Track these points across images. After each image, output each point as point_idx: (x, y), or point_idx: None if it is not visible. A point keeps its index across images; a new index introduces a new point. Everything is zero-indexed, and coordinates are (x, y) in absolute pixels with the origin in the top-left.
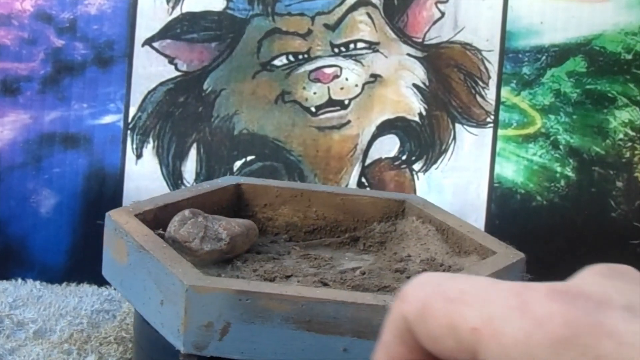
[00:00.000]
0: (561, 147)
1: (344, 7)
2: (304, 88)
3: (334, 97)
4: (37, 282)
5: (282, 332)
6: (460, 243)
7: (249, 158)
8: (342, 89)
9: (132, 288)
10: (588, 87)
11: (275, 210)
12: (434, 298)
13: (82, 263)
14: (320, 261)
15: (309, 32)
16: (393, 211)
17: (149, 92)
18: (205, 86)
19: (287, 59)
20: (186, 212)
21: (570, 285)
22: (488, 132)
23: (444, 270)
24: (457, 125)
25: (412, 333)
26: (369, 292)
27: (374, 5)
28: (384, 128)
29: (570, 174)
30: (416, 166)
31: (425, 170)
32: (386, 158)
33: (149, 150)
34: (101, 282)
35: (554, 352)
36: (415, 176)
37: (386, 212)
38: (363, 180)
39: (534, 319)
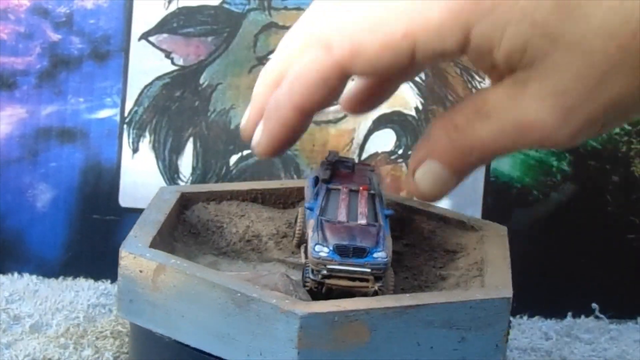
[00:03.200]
0: None
1: None
2: None
3: None
4: (34, 276)
5: None
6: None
7: (245, 152)
8: None
9: None
10: None
11: None
12: (356, 36)
13: (79, 257)
14: None
15: None
16: None
17: (146, 87)
18: (201, 80)
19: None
20: None
21: None
22: None
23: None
24: None
25: (341, 74)
26: None
27: None
28: (380, 122)
29: (566, 168)
30: None
31: None
32: (382, 152)
33: (145, 144)
34: (97, 276)
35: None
36: None
37: None
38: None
39: (444, 1)
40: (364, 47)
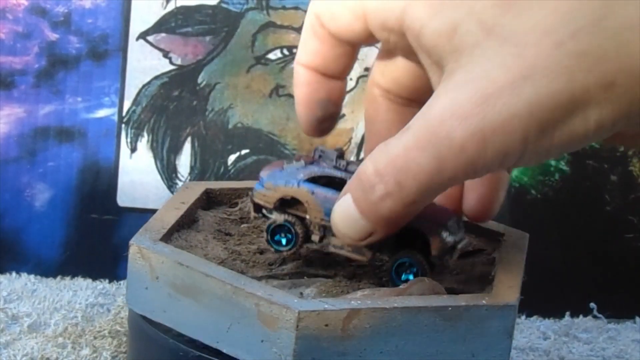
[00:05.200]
0: None
1: None
2: None
3: None
4: (32, 276)
5: None
6: None
7: (244, 152)
8: None
9: None
10: None
11: None
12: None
13: (77, 257)
14: None
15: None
16: None
17: (144, 86)
18: (199, 80)
19: (282, 52)
20: None
21: None
22: None
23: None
24: None
25: (322, 24)
26: None
27: None
28: None
29: (564, 167)
30: None
31: None
32: None
33: (143, 144)
34: (95, 275)
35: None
36: None
37: None
38: None
39: None
40: (333, 7)
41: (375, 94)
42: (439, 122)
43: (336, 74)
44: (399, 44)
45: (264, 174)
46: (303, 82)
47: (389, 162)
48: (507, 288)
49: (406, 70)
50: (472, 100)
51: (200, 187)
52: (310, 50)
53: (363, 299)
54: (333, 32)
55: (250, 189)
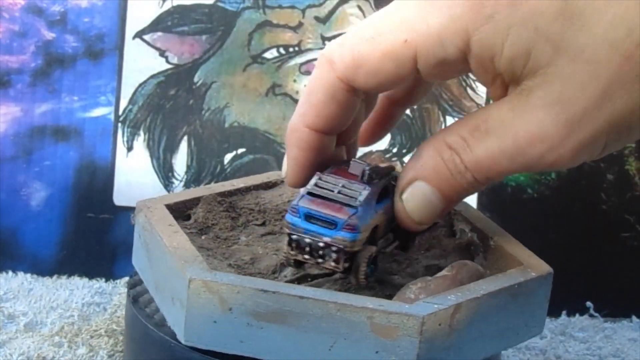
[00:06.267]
0: None
1: (335, 0)
2: (295, 81)
3: None
4: (28, 275)
5: None
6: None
7: (240, 151)
8: None
9: None
10: None
11: None
12: (356, 47)
13: (73, 256)
14: None
15: (300, 25)
16: None
17: (140, 85)
18: (195, 79)
19: (278, 51)
20: None
21: None
22: None
23: None
24: (448, 118)
25: (347, 87)
26: None
27: None
28: None
29: None
30: (407, 158)
31: None
32: (377, 151)
33: (139, 143)
34: (92, 274)
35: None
36: None
37: None
38: None
39: (445, 9)
40: (365, 58)
41: (336, 82)
42: (527, 144)
43: (343, 127)
44: (435, 70)
45: (352, 221)
46: (308, 147)
47: (475, 161)
48: (529, 257)
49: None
50: (559, 126)
51: (159, 203)
52: (325, 115)
53: (453, 292)
54: (369, 88)
55: (199, 198)
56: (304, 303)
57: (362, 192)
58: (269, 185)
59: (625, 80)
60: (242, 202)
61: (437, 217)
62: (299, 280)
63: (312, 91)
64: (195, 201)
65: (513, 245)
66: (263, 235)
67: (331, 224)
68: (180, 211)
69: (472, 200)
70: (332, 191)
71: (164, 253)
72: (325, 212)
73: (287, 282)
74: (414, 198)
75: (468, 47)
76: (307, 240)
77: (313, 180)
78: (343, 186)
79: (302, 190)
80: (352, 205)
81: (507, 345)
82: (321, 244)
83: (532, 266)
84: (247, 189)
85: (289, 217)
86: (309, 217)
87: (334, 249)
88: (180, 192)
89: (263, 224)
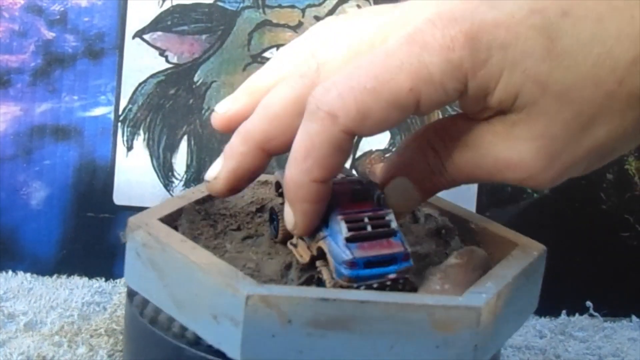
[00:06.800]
0: None
1: (335, 0)
2: None
3: None
4: (28, 274)
5: None
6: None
7: None
8: None
9: None
10: None
11: None
12: (359, 99)
13: (73, 255)
14: None
15: (300, 24)
16: None
17: (140, 84)
18: (195, 78)
19: (278, 51)
20: None
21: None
22: None
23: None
24: None
25: (351, 137)
26: None
27: None
28: None
29: None
30: None
31: None
32: (377, 150)
33: (139, 142)
34: (92, 274)
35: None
36: None
37: None
38: (353, 172)
39: (442, 53)
40: (371, 111)
41: (340, 135)
42: (506, 168)
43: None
44: (432, 109)
45: (405, 249)
46: (318, 199)
47: (456, 168)
48: (519, 238)
49: None
50: (539, 158)
51: (152, 218)
52: (331, 166)
53: (485, 279)
54: (371, 134)
55: (181, 209)
56: (364, 307)
57: (389, 216)
58: None
59: (607, 114)
60: (213, 208)
61: (414, 207)
62: (307, 282)
63: (314, 147)
64: (179, 212)
65: (496, 226)
66: (243, 240)
67: (390, 260)
68: (169, 224)
69: (471, 200)
70: (365, 229)
71: (194, 270)
72: (382, 252)
73: (299, 284)
74: (396, 191)
75: (465, 89)
76: (375, 285)
77: (339, 225)
78: (370, 219)
79: (328, 240)
80: (394, 234)
81: (519, 326)
82: (388, 283)
83: (529, 246)
84: (212, 196)
85: (348, 272)
86: (368, 264)
87: (401, 281)
88: (162, 204)
89: (238, 228)
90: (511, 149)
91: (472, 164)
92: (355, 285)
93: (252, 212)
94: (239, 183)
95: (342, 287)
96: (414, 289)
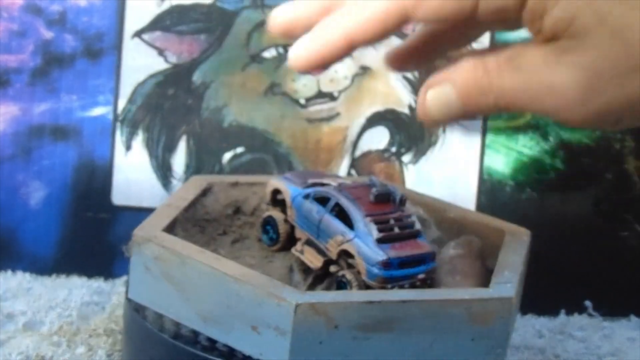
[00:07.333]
0: (551, 138)
1: None
2: (293, 80)
3: (323, 89)
4: (27, 274)
5: None
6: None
7: (239, 150)
8: (331, 81)
9: None
10: None
11: None
12: None
13: (72, 255)
14: None
15: None
16: None
17: (139, 84)
18: (194, 78)
19: (277, 51)
20: None
21: None
22: (477, 124)
23: None
24: None
25: (404, 18)
26: None
27: None
28: (374, 120)
29: (559, 165)
30: (405, 158)
31: (415, 162)
32: (376, 150)
33: (138, 142)
34: (91, 273)
35: None
36: (404, 168)
37: None
38: (352, 172)
39: None
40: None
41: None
42: (547, 93)
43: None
44: (492, 16)
45: (433, 249)
46: (334, 52)
47: (501, 89)
48: (504, 224)
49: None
50: (580, 90)
51: (156, 231)
52: (368, 35)
53: (502, 269)
54: (421, 19)
55: (175, 219)
56: (407, 307)
57: (412, 218)
58: (204, 194)
59: None
60: (197, 214)
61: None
62: (315, 284)
63: (366, 8)
64: (173, 223)
65: (474, 215)
66: (233, 244)
67: (420, 260)
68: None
69: (471, 200)
70: (393, 230)
71: (226, 282)
72: (413, 252)
73: (307, 288)
74: (439, 96)
75: (522, 5)
76: (406, 286)
77: (368, 227)
78: (396, 220)
79: (355, 242)
80: (419, 234)
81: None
82: (418, 283)
83: (516, 232)
84: (193, 202)
85: (382, 273)
86: (402, 264)
87: (428, 281)
88: (155, 214)
89: (224, 232)
90: (556, 74)
91: (518, 87)
92: (389, 285)
93: (230, 215)
94: (318, 68)
95: (369, 288)
96: (430, 285)
